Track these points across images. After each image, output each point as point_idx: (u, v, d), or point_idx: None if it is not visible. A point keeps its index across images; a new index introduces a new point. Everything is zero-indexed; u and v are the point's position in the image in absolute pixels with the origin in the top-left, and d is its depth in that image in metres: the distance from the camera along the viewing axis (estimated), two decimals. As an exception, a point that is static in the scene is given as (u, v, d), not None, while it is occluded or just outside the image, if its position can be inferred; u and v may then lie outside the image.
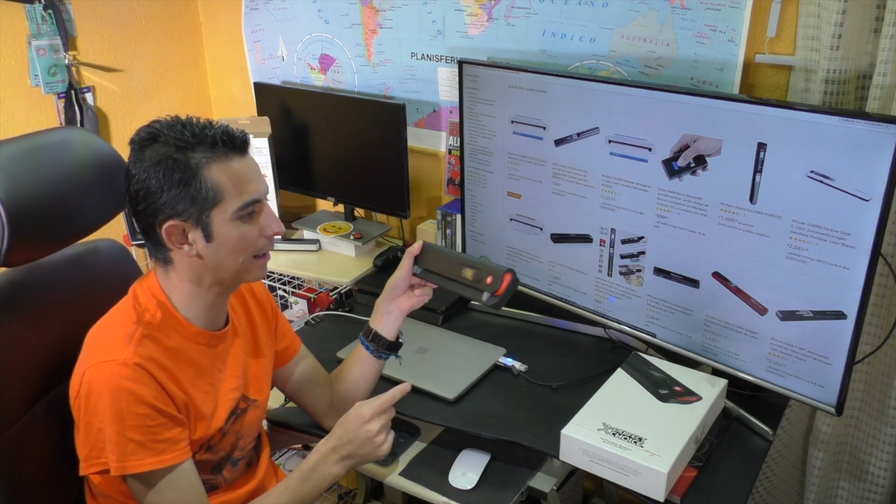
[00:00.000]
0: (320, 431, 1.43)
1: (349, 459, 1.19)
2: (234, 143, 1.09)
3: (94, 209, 1.26)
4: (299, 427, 1.49)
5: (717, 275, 1.41)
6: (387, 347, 1.37)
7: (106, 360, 1.06)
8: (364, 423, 1.18)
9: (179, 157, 1.06)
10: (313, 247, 2.26)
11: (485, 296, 1.23)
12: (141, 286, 1.16)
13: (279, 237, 1.17)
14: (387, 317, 1.35)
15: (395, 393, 1.22)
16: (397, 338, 1.38)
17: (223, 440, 1.22)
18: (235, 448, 1.26)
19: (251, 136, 1.15)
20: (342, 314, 1.90)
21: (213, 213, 1.08)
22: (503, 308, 1.86)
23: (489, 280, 1.23)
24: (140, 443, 1.06)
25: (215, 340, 1.20)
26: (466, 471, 1.42)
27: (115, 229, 1.44)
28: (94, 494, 1.20)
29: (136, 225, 1.14)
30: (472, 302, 1.25)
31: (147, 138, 1.08)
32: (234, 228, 1.10)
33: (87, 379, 1.06)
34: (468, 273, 1.25)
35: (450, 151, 2.14)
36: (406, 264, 1.33)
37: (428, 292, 1.35)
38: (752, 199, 1.31)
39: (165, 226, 1.08)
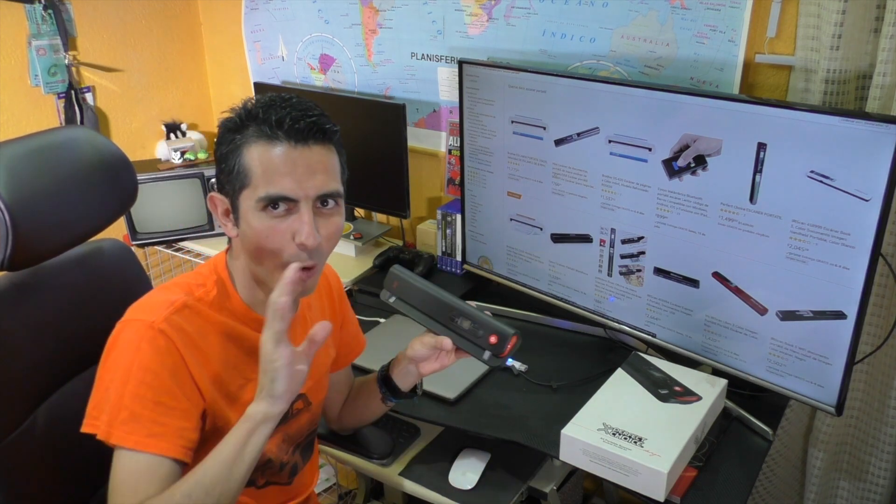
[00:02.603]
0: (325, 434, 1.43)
1: (260, 392, 0.98)
2: (283, 128, 0.98)
3: (100, 210, 1.23)
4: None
5: (717, 275, 1.41)
6: (396, 395, 1.27)
7: (137, 318, 1.01)
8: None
9: (234, 130, 1.01)
10: (313, 247, 2.26)
11: (486, 354, 1.12)
12: (210, 261, 1.11)
13: (306, 250, 1.01)
14: (405, 376, 1.24)
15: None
16: (413, 388, 1.27)
17: None
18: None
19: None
20: (342, 314, 1.90)
21: (242, 197, 1.01)
22: (503, 308, 1.87)
23: (493, 339, 1.11)
24: (135, 414, 0.96)
25: None
26: (466, 471, 1.42)
27: (116, 229, 1.43)
28: None
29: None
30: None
31: (240, 107, 1.03)
32: (256, 219, 1.00)
33: (115, 333, 1.01)
34: (465, 324, 1.14)
35: (450, 151, 2.14)
36: (428, 340, 1.17)
37: (451, 357, 1.18)
38: (752, 199, 1.31)
39: (211, 195, 1.05)
